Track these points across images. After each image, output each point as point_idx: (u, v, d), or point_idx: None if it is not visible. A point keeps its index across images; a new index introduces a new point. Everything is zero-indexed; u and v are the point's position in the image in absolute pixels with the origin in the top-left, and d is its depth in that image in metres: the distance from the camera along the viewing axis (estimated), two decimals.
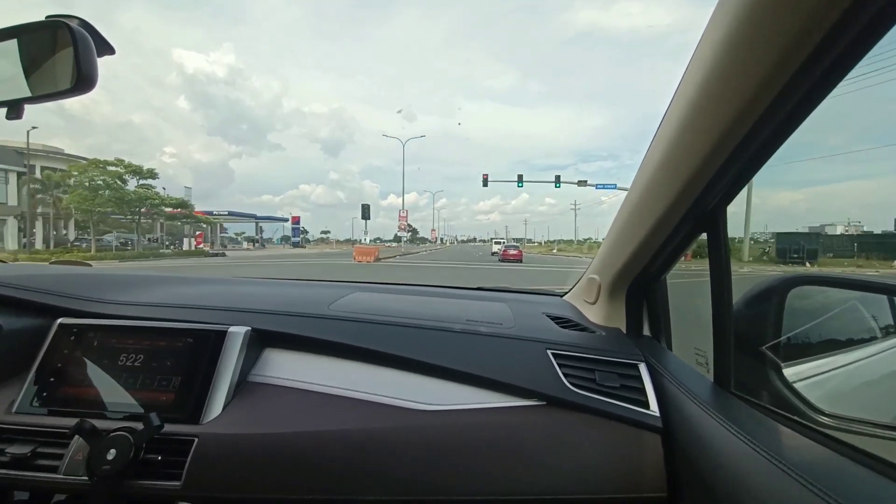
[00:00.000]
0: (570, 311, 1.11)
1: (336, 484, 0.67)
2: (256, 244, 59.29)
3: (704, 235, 0.69)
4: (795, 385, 0.69)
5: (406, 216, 37.33)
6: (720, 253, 0.65)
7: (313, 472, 0.67)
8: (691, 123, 0.56)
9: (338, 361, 0.81)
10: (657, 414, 0.71)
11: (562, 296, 1.31)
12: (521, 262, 23.65)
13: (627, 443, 0.69)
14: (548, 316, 1.03)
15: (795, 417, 0.58)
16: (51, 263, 1.41)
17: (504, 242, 41.12)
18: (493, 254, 36.70)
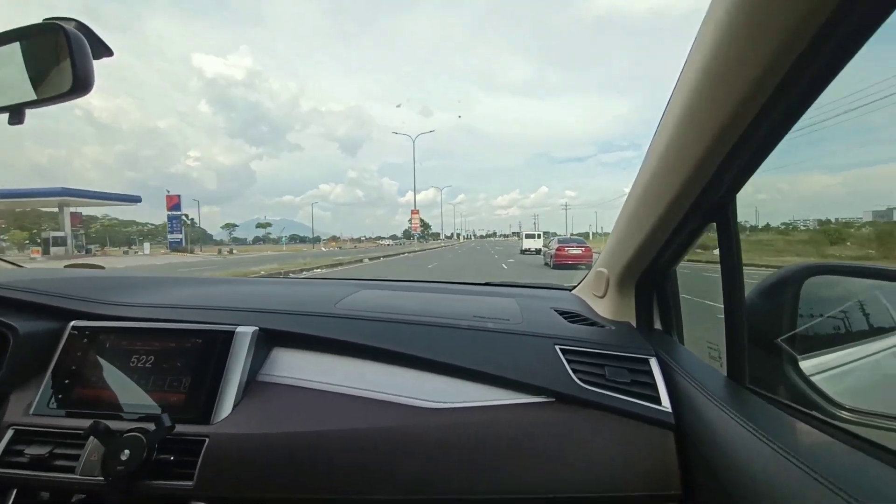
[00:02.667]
0: (579, 305, 1.10)
1: (346, 483, 0.67)
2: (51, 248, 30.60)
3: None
4: (813, 378, 0.67)
5: None
6: (731, 244, 0.63)
7: (323, 471, 0.67)
8: (694, 111, 0.54)
9: (345, 360, 0.81)
10: (669, 410, 0.69)
11: (570, 290, 1.29)
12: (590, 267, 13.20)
13: (639, 440, 0.68)
14: (556, 311, 1.01)
15: (814, 412, 0.56)
16: (65, 267, 1.44)
17: (538, 236, 29.87)
18: (523, 251, 28.68)
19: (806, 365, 0.68)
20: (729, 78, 0.47)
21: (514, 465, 0.67)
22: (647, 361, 0.77)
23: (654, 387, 0.73)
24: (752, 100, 0.46)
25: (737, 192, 0.61)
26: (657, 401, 0.71)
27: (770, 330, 0.70)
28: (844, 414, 0.61)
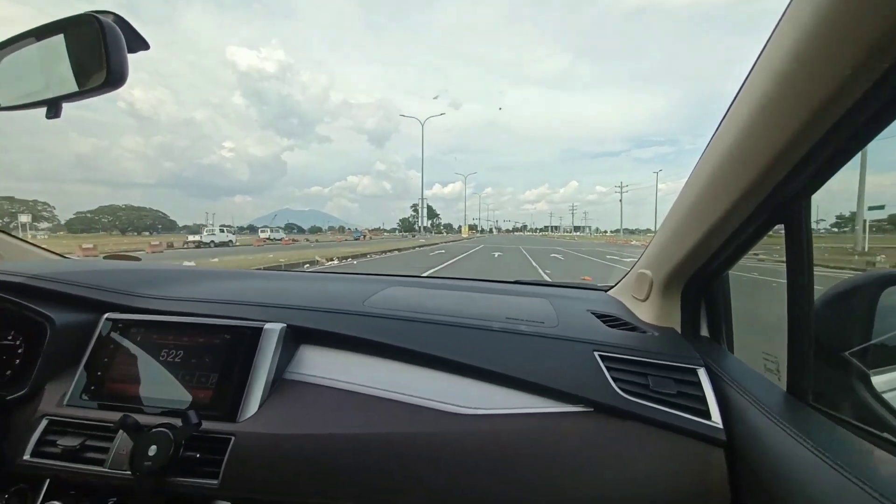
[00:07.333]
0: (618, 307, 1.05)
1: (372, 489, 0.65)
2: None
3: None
4: (886, 396, 0.61)
5: None
6: (800, 247, 0.57)
7: (349, 475, 0.66)
8: (776, 101, 0.48)
9: (373, 360, 0.79)
10: (720, 425, 0.64)
11: (606, 291, 1.24)
12: None
13: (686, 457, 0.63)
14: (593, 313, 0.97)
15: (887, 435, 0.51)
16: (104, 258, 1.47)
17: None
18: None
19: (879, 381, 0.62)
20: (821, 70, 0.42)
21: (549, 478, 0.64)
22: (695, 371, 0.72)
23: (702, 399, 0.68)
24: (844, 96, 0.41)
25: (813, 193, 0.55)
26: (706, 415, 0.66)
27: (838, 342, 0.64)
28: None
